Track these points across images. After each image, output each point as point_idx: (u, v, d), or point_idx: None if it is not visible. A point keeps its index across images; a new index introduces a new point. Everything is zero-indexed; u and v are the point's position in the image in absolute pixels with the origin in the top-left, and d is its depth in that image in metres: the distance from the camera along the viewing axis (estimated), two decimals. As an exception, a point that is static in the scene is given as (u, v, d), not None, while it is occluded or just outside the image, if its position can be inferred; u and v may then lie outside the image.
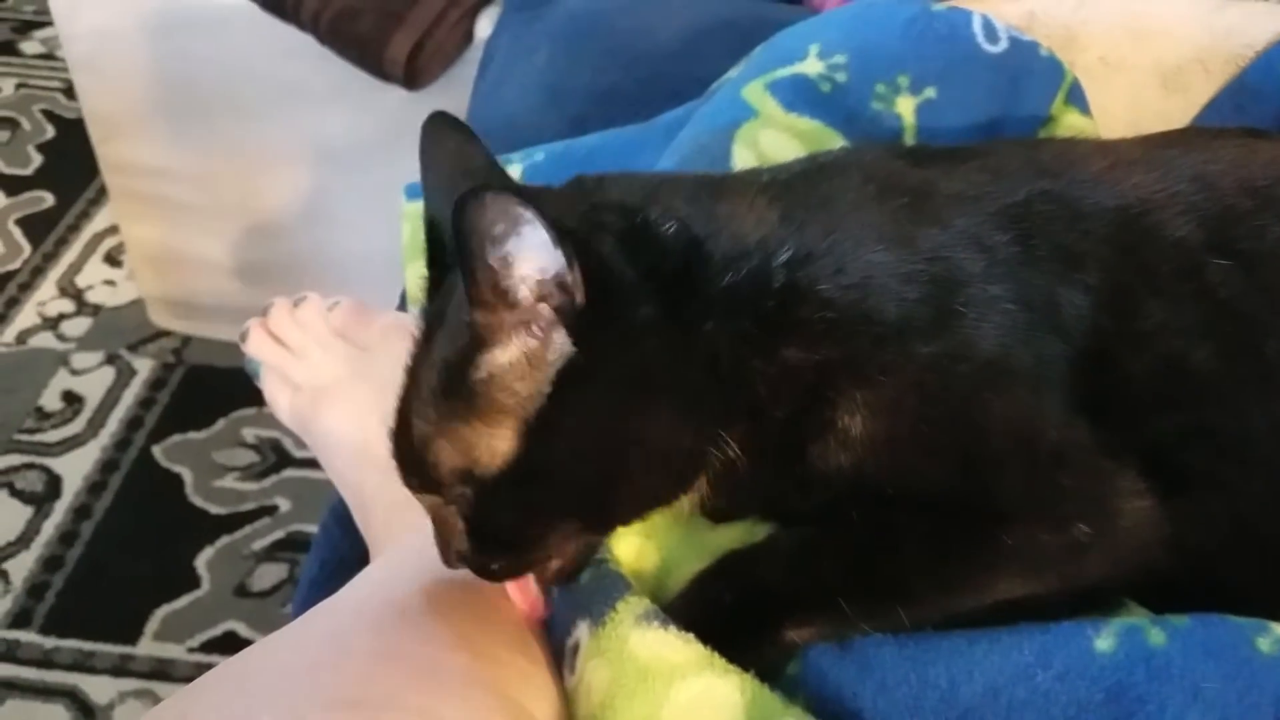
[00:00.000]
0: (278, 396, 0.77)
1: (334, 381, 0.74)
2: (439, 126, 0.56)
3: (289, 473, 1.42)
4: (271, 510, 1.39)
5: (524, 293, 0.44)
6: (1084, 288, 0.49)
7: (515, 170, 0.81)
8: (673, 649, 0.45)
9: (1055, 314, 0.49)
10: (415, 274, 0.80)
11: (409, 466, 0.48)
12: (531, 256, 0.43)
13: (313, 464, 0.76)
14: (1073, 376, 0.49)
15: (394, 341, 0.74)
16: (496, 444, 0.45)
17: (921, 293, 0.48)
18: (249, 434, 1.47)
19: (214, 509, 1.39)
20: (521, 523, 0.47)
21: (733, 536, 0.54)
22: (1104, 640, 0.44)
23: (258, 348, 0.78)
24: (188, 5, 1.31)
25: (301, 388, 0.75)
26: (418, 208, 0.81)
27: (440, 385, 0.46)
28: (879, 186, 0.51)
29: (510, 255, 0.43)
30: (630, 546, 0.52)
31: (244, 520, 1.37)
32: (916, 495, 0.47)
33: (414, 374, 0.49)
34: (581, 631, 0.48)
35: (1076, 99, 0.76)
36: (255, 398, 0.78)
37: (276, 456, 1.44)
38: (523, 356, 0.45)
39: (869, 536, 0.48)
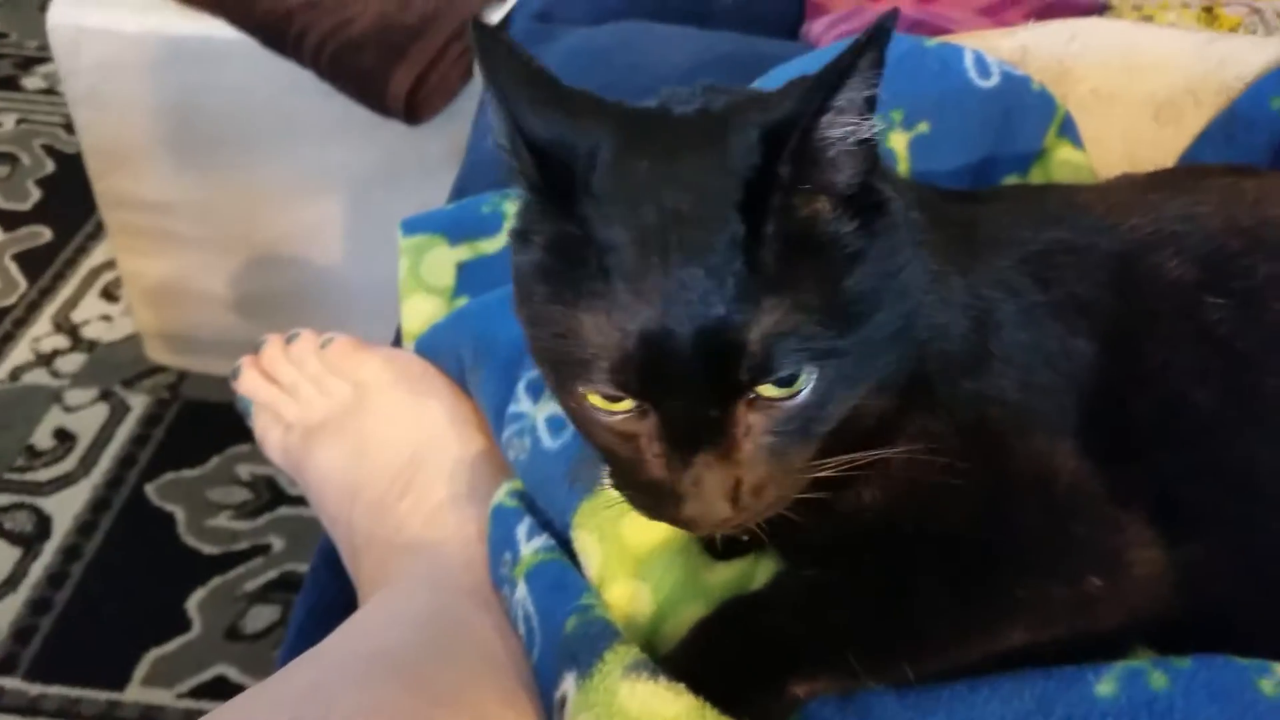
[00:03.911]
0: (269, 435, 0.76)
1: (326, 420, 0.73)
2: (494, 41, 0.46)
3: (283, 510, 1.41)
4: (265, 549, 1.37)
5: None
6: (1091, 335, 0.50)
7: (513, 204, 0.81)
8: (664, 702, 0.44)
9: (1068, 362, 0.50)
10: (412, 309, 0.80)
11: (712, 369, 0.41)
12: None
13: (307, 501, 0.75)
14: (1082, 422, 0.49)
15: (389, 377, 0.73)
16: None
17: (969, 327, 0.48)
18: (243, 471, 1.46)
19: (206, 549, 1.37)
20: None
21: (732, 577, 0.53)
22: (1105, 685, 0.43)
23: (249, 386, 0.77)
24: (187, 40, 1.31)
25: (293, 426, 0.74)
26: (414, 242, 0.81)
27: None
28: (932, 215, 0.50)
29: None
30: (623, 590, 0.51)
31: (237, 560, 1.36)
32: (933, 538, 0.47)
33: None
34: (569, 684, 0.47)
35: (1069, 132, 0.76)
36: (250, 433, 0.77)
37: (270, 494, 1.43)
38: None
39: (880, 583, 0.47)
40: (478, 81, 1.26)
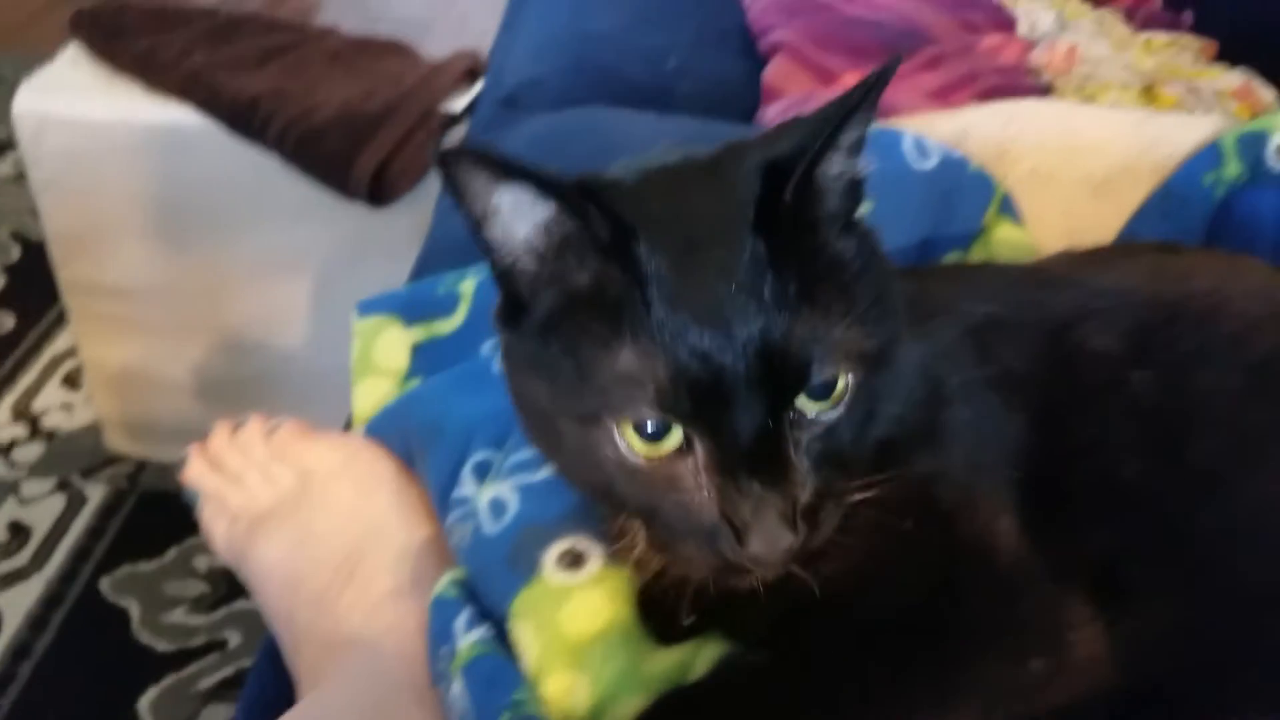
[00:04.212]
0: (214, 527, 0.75)
1: (271, 510, 0.72)
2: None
3: (240, 604, 1.38)
4: (221, 645, 1.34)
5: None
6: (1025, 410, 0.50)
7: (470, 284, 0.81)
8: None
9: (1005, 439, 0.50)
10: (363, 392, 0.79)
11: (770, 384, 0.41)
12: None
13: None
14: (1019, 498, 0.49)
15: (335, 463, 0.72)
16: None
17: (923, 398, 0.49)
18: (201, 563, 1.43)
19: (160, 645, 1.33)
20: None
21: (672, 666, 0.52)
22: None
23: (195, 475, 0.76)
24: (153, 127, 1.33)
25: (238, 517, 0.73)
26: (368, 324, 0.81)
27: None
28: None
29: None
30: (560, 682, 0.50)
31: (191, 657, 1.32)
32: (880, 617, 0.46)
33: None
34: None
35: (1008, 210, 0.78)
36: None
37: (228, 587, 1.40)
38: None
39: (825, 666, 0.47)
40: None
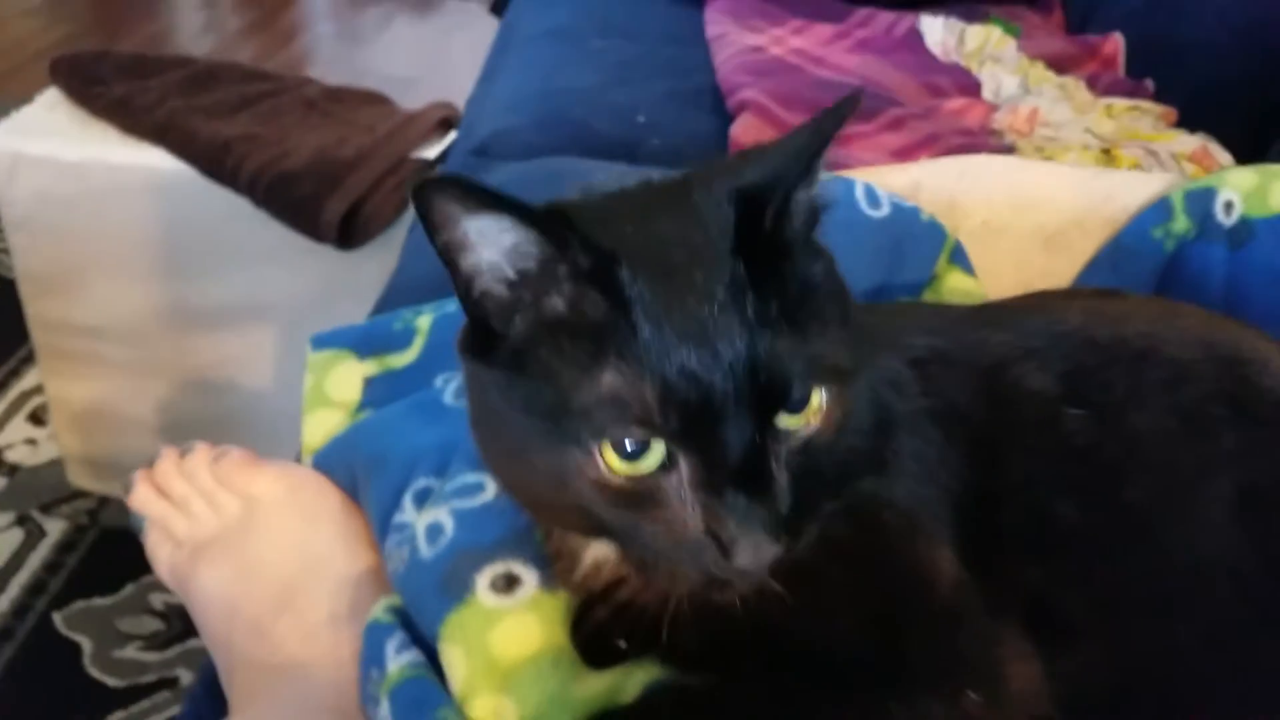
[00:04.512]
0: (158, 553, 0.74)
1: (214, 537, 0.71)
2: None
3: (194, 643, 1.35)
4: (172, 683, 1.31)
5: None
6: (964, 444, 0.51)
7: (426, 319, 0.82)
8: None
9: (944, 471, 0.50)
10: (313, 424, 0.79)
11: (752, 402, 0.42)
12: None
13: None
14: (956, 532, 0.49)
15: (280, 492, 0.72)
16: None
17: (872, 424, 0.49)
18: (156, 600, 1.41)
19: (111, 681, 1.31)
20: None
21: (602, 690, 0.51)
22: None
23: (141, 501, 0.76)
24: (124, 169, 1.34)
25: (182, 544, 0.73)
26: (322, 357, 0.81)
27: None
28: None
29: None
30: (486, 705, 0.50)
31: (142, 694, 1.29)
32: (817, 643, 0.46)
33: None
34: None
35: (959, 259, 0.79)
36: None
37: (182, 624, 1.38)
38: None
39: (758, 691, 0.46)
40: (411, 210, 1.29)
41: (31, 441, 1.67)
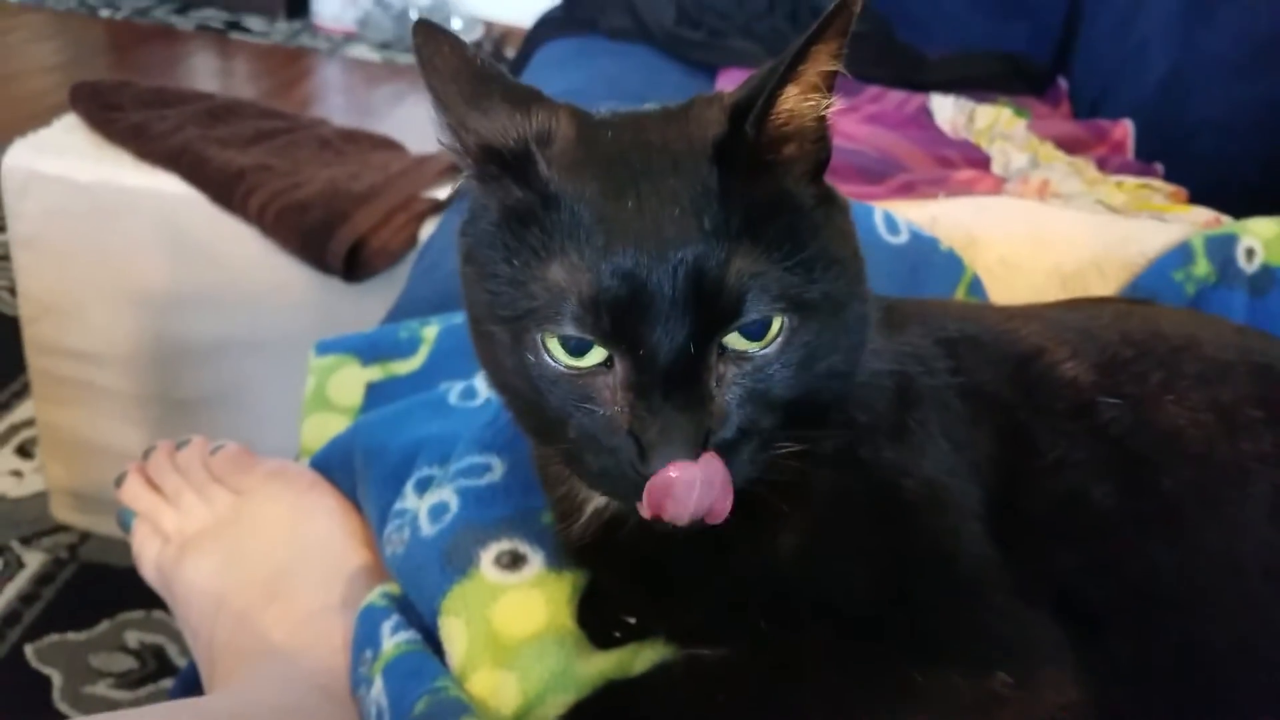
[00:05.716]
0: (145, 550, 0.72)
1: (204, 530, 0.69)
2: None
3: (167, 683, 1.30)
4: (141, 721, 1.26)
5: None
6: (992, 425, 0.50)
7: (432, 330, 0.81)
8: None
9: (972, 450, 0.49)
10: (313, 427, 0.78)
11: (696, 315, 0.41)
12: None
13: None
14: (983, 513, 0.48)
15: (274, 487, 0.70)
16: None
17: (892, 393, 0.48)
18: (132, 638, 1.36)
19: (79, 717, 1.26)
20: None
21: (608, 668, 0.49)
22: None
23: (131, 494, 0.74)
24: (134, 192, 1.33)
25: (170, 539, 0.70)
26: (325, 362, 0.80)
27: None
28: None
29: None
30: (486, 680, 0.47)
31: (109, 731, 1.24)
32: (831, 611, 0.45)
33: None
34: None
35: (978, 292, 0.78)
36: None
37: (157, 664, 1.33)
38: None
39: (771, 662, 0.44)
40: (419, 247, 1.29)
41: (17, 473, 1.64)
